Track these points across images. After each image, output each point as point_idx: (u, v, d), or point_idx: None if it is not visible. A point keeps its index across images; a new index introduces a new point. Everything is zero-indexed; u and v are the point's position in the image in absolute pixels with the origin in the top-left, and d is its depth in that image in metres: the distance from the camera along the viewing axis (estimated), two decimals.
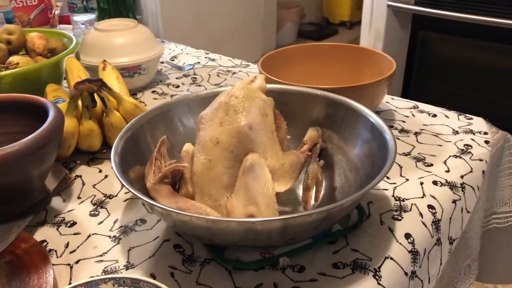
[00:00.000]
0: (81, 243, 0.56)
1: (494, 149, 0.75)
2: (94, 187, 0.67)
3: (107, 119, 0.72)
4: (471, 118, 0.82)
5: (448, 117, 0.83)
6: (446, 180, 0.65)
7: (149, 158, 0.57)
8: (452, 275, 0.70)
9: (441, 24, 1.85)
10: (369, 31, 2.01)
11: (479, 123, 0.81)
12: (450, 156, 0.71)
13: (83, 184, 0.68)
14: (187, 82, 1.03)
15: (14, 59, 0.83)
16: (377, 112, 0.84)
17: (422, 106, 0.87)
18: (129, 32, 0.96)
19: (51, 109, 0.60)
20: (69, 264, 0.53)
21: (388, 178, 0.66)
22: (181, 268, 0.52)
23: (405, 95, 2.05)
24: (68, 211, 0.62)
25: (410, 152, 0.72)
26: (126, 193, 0.65)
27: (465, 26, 1.77)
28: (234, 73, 1.07)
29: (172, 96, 0.96)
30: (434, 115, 0.84)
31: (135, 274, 0.51)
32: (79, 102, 0.72)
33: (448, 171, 0.67)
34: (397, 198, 0.62)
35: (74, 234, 0.58)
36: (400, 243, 0.55)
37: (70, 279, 0.51)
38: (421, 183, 0.65)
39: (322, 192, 0.60)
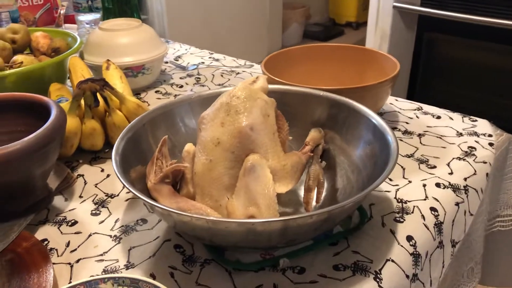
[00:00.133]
0: (82, 242, 0.56)
1: (499, 152, 0.74)
2: (96, 186, 0.67)
3: (109, 118, 0.72)
4: (476, 120, 0.82)
5: (452, 119, 0.82)
6: (449, 182, 0.65)
7: (151, 158, 0.57)
8: (454, 278, 0.69)
9: (447, 25, 1.84)
10: (375, 32, 2.01)
11: (483, 125, 0.80)
12: (453, 158, 0.70)
13: (85, 183, 0.68)
14: (190, 82, 1.03)
15: (18, 58, 0.84)
16: (381, 114, 0.84)
17: (426, 107, 0.87)
18: (133, 32, 0.96)
19: (54, 108, 0.60)
20: (69, 263, 0.53)
21: (390, 180, 0.66)
22: (181, 269, 0.52)
23: (410, 96, 2.04)
24: (69, 210, 0.62)
25: (413, 154, 0.72)
26: (127, 192, 0.65)
27: (471, 27, 1.76)
28: (238, 73, 1.07)
29: (175, 96, 0.96)
30: (438, 117, 0.83)
31: (135, 274, 0.51)
32: (82, 102, 0.72)
33: (451, 173, 0.67)
34: (399, 200, 0.61)
35: (75, 233, 0.58)
36: (402, 246, 0.54)
37: (70, 278, 0.51)
38: (424, 185, 0.64)
39: (324, 193, 0.60)
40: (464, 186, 0.65)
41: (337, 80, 0.86)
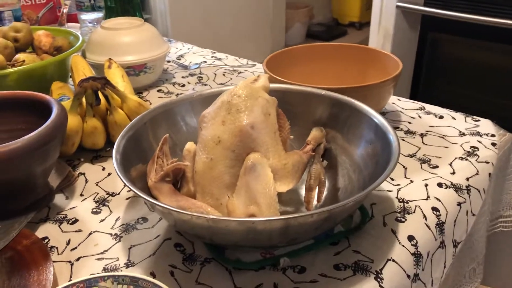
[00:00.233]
0: (82, 241, 0.56)
1: (501, 152, 0.74)
2: (97, 184, 0.67)
3: (111, 117, 0.72)
4: (478, 120, 0.81)
5: (455, 119, 0.82)
6: (451, 182, 0.65)
7: (151, 157, 0.57)
8: (456, 279, 0.69)
9: (451, 25, 1.83)
10: (378, 32, 2.00)
11: (486, 125, 0.80)
12: (456, 158, 0.70)
13: (86, 181, 0.68)
14: (192, 81, 1.03)
15: (20, 56, 0.84)
16: (383, 113, 0.84)
17: (428, 107, 0.86)
18: (135, 31, 0.96)
19: (55, 106, 0.60)
20: (69, 261, 0.53)
21: (392, 179, 0.65)
22: (181, 267, 0.51)
23: (413, 96, 2.03)
24: (70, 208, 0.62)
25: (415, 153, 0.72)
26: (128, 191, 0.65)
27: (475, 27, 1.75)
28: (240, 72, 1.07)
29: (177, 95, 0.96)
30: (441, 117, 0.83)
31: (135, 272, 0.51)
32: (83, 100, 0.72)
33: (453, 173, 0.67)
34: (401, 200, 0.61)
35: (76, 231, 0.58)
36: (403, 245, 0.54)
37: (71, 276, 0.51)
38: (426, 185, 0.64)
39: (325, 192, 0.60)
40: (466, 186, 0.65)
41: (340, 80, 0.85)
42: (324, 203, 0.59)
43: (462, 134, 0.77)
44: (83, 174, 0.70)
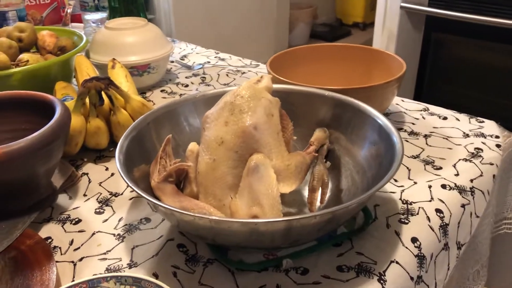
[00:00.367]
0: (85, 241, 0.56)
1: (506, 153, 0.74)
2: (100, 185, 0.67)
3: (114, 117, 0.72)
4: (483, 121, 0.81)
5: (459, 120, 0.82)
6: (455, 184, 0.64)
7: (154, 157, 0.57)
8: (460, 281, 0.69)
9: (455, 26, 1.82)
10: (382, 32, 2.00)
11: (490, 126, 0.79)
12: (460, 159, 0.70)
13: (89, 181, 0.68)
14: (196, 81, 1.03)
15: (24, 56, 0.84)
16: (387, 114, 0.83)
17: (432, 108, 0.86)
18: (139, 31, 0.97)
19: (58, 106, 0.60)
20: (72, 262, 0.53)
21: (396, 181, 0.65)
22: (184, 268, 0.51)
23: (417, 97, 2.03)
24: (73, 209, 0.62)
25: (419, 154, 0.71)
26: (131, 191, 0.65)
27: (479, 28, 1.75)
28: (244, 73, 1.07)
29: (181, 95, 0.96)
30: (445, 118, 0.82)
31: (138, 273, 0.51)
32: (87, 100, 0.72)
33: (457, 174, 0.66)
34: (404, 201, 0.61)
35: (79, 231, 0.58)
36: (407, 247, 0.54)
37: (73, 277, 0.51)
38: (430, 187, 0.64)
39: (328, 194, 0.60)
40: (470, 188, 0.64)
41: (343, 80, 0.85)
42: (327, 204, 0.59)
43: (466, 136, 0.76)
44: (86, 174, 0.70)
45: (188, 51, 1.24)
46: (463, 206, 0.62)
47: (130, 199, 0.64)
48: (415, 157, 0.71)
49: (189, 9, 2.60)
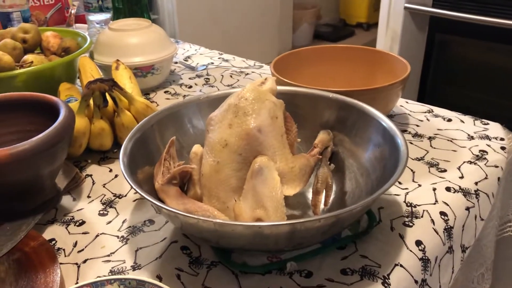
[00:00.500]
0: (89, 243, 0.56)
1: (511, 156, 0.73)
2: (104, 186, 0.67)
3: (118, 118, 0.72)
4: (487, 123, 0.80)
5: (463, 122, 0.81)
6: (459, 186, 0.64)
7: (158, 159, 0.57)
8: (464, 284, 0.68)
9: (459, 27, 1.82)
10: (386, 33, 1.99)
11: (495, 128, 0.79)
12: (464, 162, 0.69)
13: (93, 183, 0.68)
14: (200, 82, 1.03)
15: (28, 57, 0.84)
16: (391, 116, 0.83)
17: (437, 110, 0.86)
18: (143, 32, 0.97)
19: (62, 108, 0.60)
20: (76, 264, 0.53)
21: (400, 183, 0.65)
22: (187, 270, 0.51)
23: (421, 98, 2.02)
24: (77, 210, 0.62)
25: (423, 157, 0.71)
26: (135, 193, 0.65)
27: (483, 29, 1.74)
28: (247, 74, 1.07)
29: (184, 96, 0.96)
30: (449, 120, 0.82)
31: (142, 275, 0.51)
32: (91, 102, 0.72)
33: (462, 177, 0.66)
34: (408, 204, 0.61)
35: (83, 233, 0.58)
36: (411, 250, 0.54)
37: (77, 279, 0.51)
38: (434, 189, 0.63)
39: (332, 196, 0.59)
40: (475, 191, 0.64)
41: (347, 82, 0.85)
42: (331, 207, 0.59)
43: (471, 138, 0.76)
44: (90, 175, 0.70)
45: (191, 52, 1.24)
46: (467, 209, 0.62)
47: (134, 200, 0.64)
48: (420, 159, 0.71)
49: (192, 9, 2.60)
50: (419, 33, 1.97)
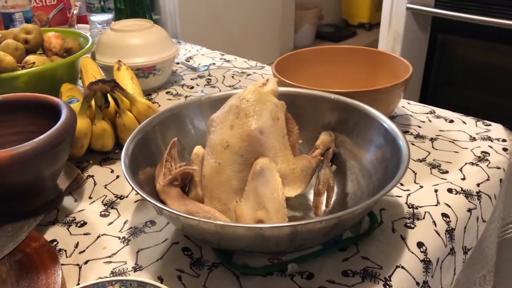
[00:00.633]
0: (90, 244, 0.56)
1: None
2: (105, 187, 0.67)
3: (120, 119, 0.72)
4: (490, 125, 0.80)
5: (465, 123, 0.81)
6: (461, 188, 0.64)
7: (160, 160, 0.57)
8: (466, 286, 0.68)
9: (461, 27, 1.81)
10: (388, 33, 1.99)
11: (497, 129, 0.79)
12: (466, 163, 0.69)
13: (95, 184, 0.68)
14: (201, 83, 1.03)
15: (30, 58, 0.84)
16: (393, 117, 0.83)
17: (439, 111, 0.86)
18: (145, 33, 0.97)
19: (64, 109, 0.60)
20: (78, 265, 0.53)
21: (401, 184, 0.65)
22: (188, 272, 0.51)
23: (423, 99, 2.02)
24: (79, 211, 0.62)
25: (425, 158, 0.71)
26: (136, 194, 0.65)
27: (486, 30, 1.74)
28: (249, 74, 1.07)
29: (186, 97, 0.96)
30: (451, 121, 0.82)
31: (143, 276, 0.51)
32: (93, 102, 0.72)
33: (464, 178, 0.66)
34: (410, 206, 0.61)
35: (84, 234, 0.58)
36: (412, 252, 0.53)
37: (79, 280, 0.51)
38: (436, 191, 0.63)
39: (334, 197, 0.59)
40: (477, 192, 0.64)
41: (349, 82, 0.85)
42: (333, 208, 0.59)
43: (473, 139, 0.76)
44: (92, 176, 0.70)
45: (193, 52, 1.24)
46: (469, 210, 0.62)
47: (135, 201, 0.64)
48: (421, 160, 0.70)
49: (194, 10, 2.60)
50: (421, 33, 1.97)
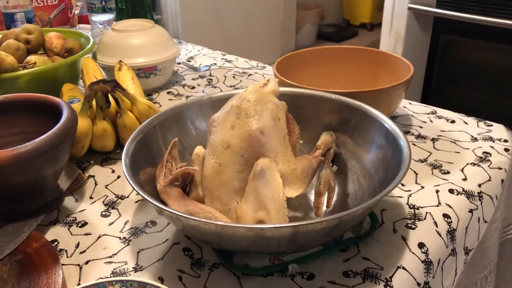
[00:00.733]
0: (91, 244, 0.56)
1: None
2: (106, 187, 0.67)
3: (120, 119, 0.72)
4: (491, 125, 0.80)
5: (467, 124, 0.81)
6: (463, 188, 0.64)
7: (161, 160, 0.57)
8: (467, 286, 0.68)
9: (463, 27, 1.81)
10: (390, 33, 1.99)
11: (499, 130, 0.79)
12: (467, 163, 0.69)
13: (96, 184, 0.68)
14: (202, 83, 1.03)
15: (31, 58, 0.84)
16: (394, 117, 0.83)
17: (440, 111, 0.86)
18: (146, 33, 0.97)
19: (65, 109, 0.60)
20: (78, 265, 0.53)
21: (402, 185, 0.65)
22: (189, 272, 0.51)
23: (425, 99, 2.01)
24: (80, 211, 0.62)
25: (427, 158, 0.71)
26: (137, 194, 0.65)
27: (487, 30, 1.73)
28: (250, 74, 1.07)
29: (187, 97, 0.96)
30: (453, 121, 0.82)
31: (144, 276, 0.51)
32: (94, 103, 0.72)
33: (465, 179, 0.66)
34: (411, 206, 0.60)
35: (85, 234, 0.58)
36: (413, 253, 0.53)
37: (79, 280, 0.51)
38: (437, 191, 0.63)
39: (335, 198, 0.59)
40: (478, 193, 0.64)
41: (350, 83, 0.85)
42: (334, 209, 0.58)
43: (474, 139, 0.75)
44: (93, 176, 0.70)
45: (194, 52, 1.24)
46: (471, 211, 0.61)
47: (136, 202, 0.64)
48: (423, 161, 0.70)
49: (195, 10, 2.60)
50: (423, 33, 1.96)
